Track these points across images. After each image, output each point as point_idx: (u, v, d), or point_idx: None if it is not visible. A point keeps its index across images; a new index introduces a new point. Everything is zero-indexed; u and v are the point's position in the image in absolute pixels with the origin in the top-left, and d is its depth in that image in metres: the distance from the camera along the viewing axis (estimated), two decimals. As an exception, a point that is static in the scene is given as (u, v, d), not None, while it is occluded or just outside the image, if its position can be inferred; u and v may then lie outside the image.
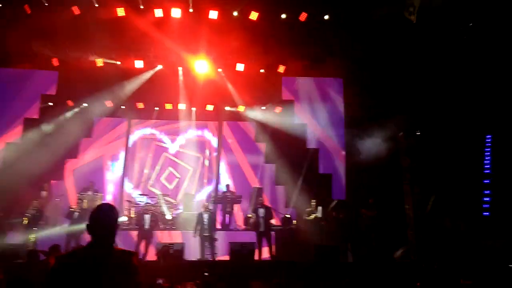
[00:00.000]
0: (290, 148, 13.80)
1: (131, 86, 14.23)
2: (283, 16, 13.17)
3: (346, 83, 14.23)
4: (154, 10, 13.07)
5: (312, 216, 11.42)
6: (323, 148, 14.05)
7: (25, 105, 14.03)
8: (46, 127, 11.93)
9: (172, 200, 12.84)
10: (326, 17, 13.21)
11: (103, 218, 2.69)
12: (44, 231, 11.10)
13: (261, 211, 10.81)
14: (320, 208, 11.18)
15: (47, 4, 12.61)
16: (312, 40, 13.13)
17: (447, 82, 10.88)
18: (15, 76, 14.07)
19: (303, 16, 13.04)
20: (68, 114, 14.30)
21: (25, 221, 10.77)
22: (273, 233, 10.80)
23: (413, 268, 9.21)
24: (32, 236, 10.66)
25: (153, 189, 14.05)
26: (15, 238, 10.80)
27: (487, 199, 10.32)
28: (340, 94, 14.32)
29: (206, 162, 14.67)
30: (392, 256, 10.14)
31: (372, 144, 11.95)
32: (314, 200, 11.60)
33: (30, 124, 13.94)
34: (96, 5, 12.72)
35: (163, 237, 11.13)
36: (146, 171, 14.49)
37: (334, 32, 13.01)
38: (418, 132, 10.81)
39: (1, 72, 14.12)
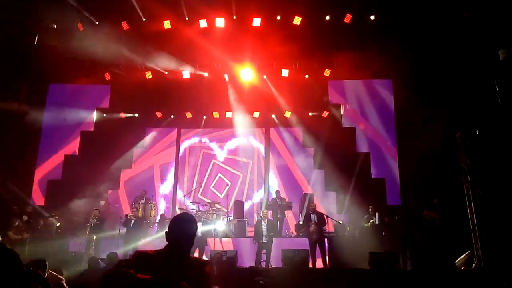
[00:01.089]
0: (339, 153, 13.52)
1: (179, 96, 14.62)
2: (327, 18, 13.01)
3: (396, 84, 13.80)
4: (199, 20, 13.36)
5: (369, 223, 11.08)
6: (375, 152, 13.65)
7: (81, 118, 14.72)
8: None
9: (223, 208, 12.92)
10: (372, 17, 12.93)
11: (184, 227, 2.76)
12: (103, 239, 11.51)
13: (313, 217, 10.62)
14: (377, 214, 10.81)
15: (97, 23, 13.21)
16: (358, 42, 12.88)
17: (503, 78, 10.23)
18: (70, 91, 14.84)
19: (347, 18, 12.83)
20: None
21: (87, 230, 11.20)
22: (326, 240, 10.56)
23: (477, 276, 8.71)
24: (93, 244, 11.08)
25: (203, 197, 14.23)
26: (77, 246, 11.28)
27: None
28: (390, 95, 13.89)
29: (255, 169, 14.66)
30: (454, 263, 9.63)
31: (428, 146, 11.45)
32: (371, 206, 11.25)
33: (86, 136, 14.63)
34: (144, 20, 13.15)
35: (215, 244, 11.20)
36: (196, 179, 14.71)
37: (380, 32, 12.70)
38: (477, 131, 10.22)
39: (58, 88, 14.94)
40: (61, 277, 6.01)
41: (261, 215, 11.14)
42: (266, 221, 10.70)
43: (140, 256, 2.70)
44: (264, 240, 10.48)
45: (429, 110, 11.94)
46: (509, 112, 10.53)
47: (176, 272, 2.59)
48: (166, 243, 2.73)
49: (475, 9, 11.24)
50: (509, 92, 10.63)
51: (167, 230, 2.77)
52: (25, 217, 11.63)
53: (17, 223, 10.77)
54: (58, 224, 12.62)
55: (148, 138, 15.07)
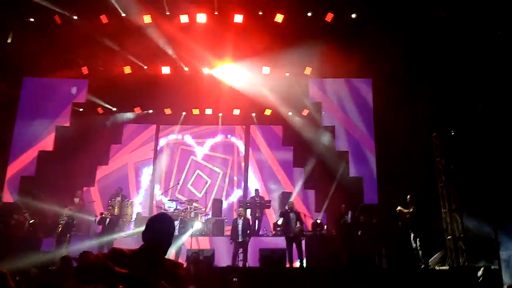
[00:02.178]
0: (318, 151, 13.55)
1: (159, 92, 14.40)
2: (309, 14, 12.96)
3: (376, 83, 13.88)
4: (180, 16, 13.15)
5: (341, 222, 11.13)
6: (353, 150, 13.71)
7: (56, 113, 14.35)
8: None
9: (201, 206, 12.81)
10: (353, 15, 12.95)
11: (161, 228, 2.70)
12: (76, 237, 11.25)
13: (291, 216, 10.59)
14: (350, 212, 10.85)
15: (76, 17, 12.87)
16: (339, 40, 12.87)
17: (482, 78, 10.39)
18: (46, 85, 14.43)
19: (329, 17, 12.82)
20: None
21: (59, 228, 10.92)
22: (304, 239, 10.55)
23: (450, 276, 8.84)
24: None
25: (181, 196, 14.07)
26: (49, 245, 10.99)
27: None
28: (369, 94, 13.97)
29: (235, 167, 14.58)
30: (428, 262, 9.75)
31: (406, 145, 11.56)
32: (343, 205, 11.30)
33: (61, 132, 14.26)
34: (123, 14, 12.88)
35: (192, 243, 11.07)
36: (174, 176, 14.53)
37: (361, 30, 12.74)
38: (453, 132, 10.36)
39: (33, 81, 14.50)
40: None
41: (236, 214, 11.08)
42: (242, 220, 10.62)
43: (117, 253, 2.61)
44: (240, 239, 10.40)
45: (407, 110, 12.07)
46: (485, 114, 10.71)
47: (151, 273, 2.52)
48: (142, 243, 2.65)
49: (454, 10, 11.37)
50: (487, 92, 10.80)
51: (143, 230, 2.70)
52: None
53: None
54: (31, 221, 12.30)
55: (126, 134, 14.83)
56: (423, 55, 12.18)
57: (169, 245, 2.74)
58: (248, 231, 10.62)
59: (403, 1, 11.92)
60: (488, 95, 10.64)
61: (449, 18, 10.87)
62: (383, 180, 12.87)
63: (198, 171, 14.58)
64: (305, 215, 10.89)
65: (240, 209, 11.42)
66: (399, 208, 10.04)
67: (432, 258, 10.11)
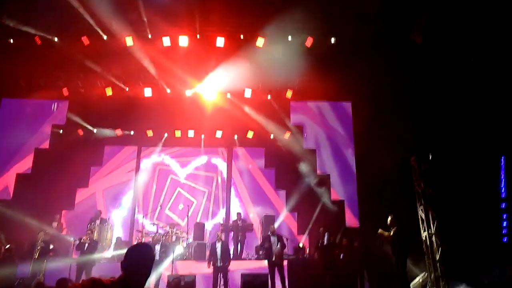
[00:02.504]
0: (300, 174, 13.64)
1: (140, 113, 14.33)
2: (289, 38, 13.17)
3: (355, 106, 14.14)
4: (162, 38, 13.21)
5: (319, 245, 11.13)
6: (335, 173, 13.84)
7: (36, 135, 14.14)
8: None
9: (182, 230, 12.67)
10: (332, 40, 13.20)
11: (140, 258, 2.67)
12: (53, 263, 10.94)
13: (273, 240, 10.57)
14: (327, 234, 10.85)
15: (56, 39, 12.80)
16: (318, 64, 13.08)
17: (458, 103, 10.72)
18: (26, 107, 14.25)
19: (308, 42, 13.04)
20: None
21: (36, 254, 10.62)
22: (286, 262, 10.52)
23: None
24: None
25: (164, 218, 13.90)
26: (25, 271, 10.65)
27: (505, 223, 10.00)
28: (349, 117, 14.20)
29: (218, 189, 14.51)
30: (409, 285, 9.80)
31: (386, 168, 11.72)
32: (321, 228, 11.34)
33: (40, 154, 14.01)
34: (105, 37, 12.87)
35: (173, 268, 10.90)
36: (155, 199, 14.37)
37: (341, 54, 12.99)
38: (430, 155, 10.57)
39: (13, 102, 14.30)
40: None
41: (214, 238, 11.01)
42: (221, 244, 10.54)
43: (95, 283, 2.57)
44: (219, 263, 10.30)
45: (387, 133, 12.30)
46: (461, 137, 11.01)
47: None
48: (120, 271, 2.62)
49: (428, 36, 11.73)
50: (463, 116, 11.11)
51: (122, 259, 2.67)
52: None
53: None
54: (7, 246, 11.94)
55: (106, 156, 14.64)
56: (402, 78, 12.48)
57: (147, 275, 2.71)
58: (227, 255, 10.54)
59: (380, 26, 12.25)
60: (465, 118, 10.96)
61: (425, 44, 11.21)
62: (364, 203, 12.99)
63: (180, 194, 14.44)
64: (287, 238, 10.87)
65: (218, 232, 11.34)
66: (380, 231, 10.10)
67: (414, 281, 10.18)
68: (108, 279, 2.65)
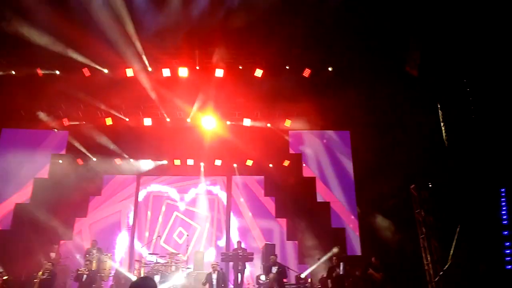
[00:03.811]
0: (300, 202, 13.64)
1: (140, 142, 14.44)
2: (287, 67, 13.40)
3: (354, 134, 14.31)
4: (162, 69, 13.44)
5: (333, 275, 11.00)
6: (335, 201, 13.87)
7: (35, 165, 14.16)
8: None
9: (182, 259, 12.54)
10: (330, 69, 13.44)
11: None
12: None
13: (274, 269, 10.47)
14: (342, 264, 10.75)
15: (58, 72, 13.00)
16: (317, 93, 13.29)
17: (457, 133, 10.86)
18: (26, 137, 14.31)
19: (306, 72, 13.27)
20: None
21: (35, 286, 10.41)
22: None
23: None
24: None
25: (163, 248, 13.76)
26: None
27: (508, 251, 9.97)
28: (348, 146, 14.35)
29: (219, 218, 14.44)
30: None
31: (385, 196, 11.77)
32: (335, 257, 11.25)
33: (39, 183, 13.99)
34: (106, 71, 13.09)
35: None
36: (154, 228, 14.27)
37: (338, 83, 13.19)
38: (430, 184, 10.65)
39: (12, 133, 14.38)
40: None
41: (210, 268, 10.90)
42: (216, 274, 10.44)
43: None
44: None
45: (385, 161, 12.40)
46: (460, 164, 11.09)
47: None
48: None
49: (426, 67, 11.97)
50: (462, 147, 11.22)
51: None
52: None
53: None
54: (5, 278, 11.75)
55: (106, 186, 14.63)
56: (400, 107, 12.67)
57: None
58: (223, 286, 10.42)
59: (377, 56, 12.51)
60: (464, 147, 11.07)
61: (421, 75, 11.43)
62: (365, 231, 12.95)
63: (179, 223, 14.36)
64: (288, 268, 10.76)
65: (213, 263, 11.24)
66: (370, 271, 10.11)
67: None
68: None
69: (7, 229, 13.35)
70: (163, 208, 14.59)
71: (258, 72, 13.14)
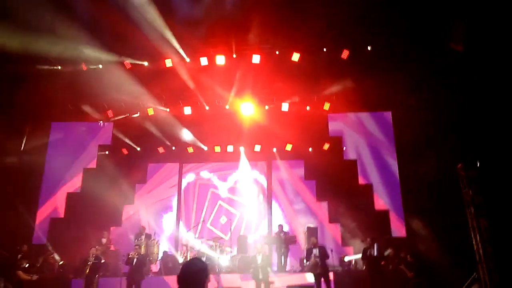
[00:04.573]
0: (341, 185, 13.55)
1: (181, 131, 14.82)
2: (324, 50, 13.21)
3: (396, 115, 13.98)
4: (200, 58, 13.65)
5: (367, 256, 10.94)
6: (377, 183, 13.67)
7: (83, 155, 14.83)
8: None
9: (226, 243, 12.83)
10: (369, 48, 13.09)
11: (196, 272, 2.83)
12: (104, 278, 11.32)
13: (315, 251, 10.50)
14: (376, 245, 10.66)
15: (101, 66, 13.48)
16: (356, 74, 13.06)
17: (504, 110, 10.38)
18: (74, 130, 15.01)
19: (344, 54, 13.03)
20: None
21: (87, 269, 11.01)
22: (331, 274, 10.40)
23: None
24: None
25: (207, 232, 14.12)
26: (79, 286, 11.06)
27: None
28: (389, 127, 14.05)
29: (258, 203, 14.61)
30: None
31: (430, 176, 11.45)
32: (369, 238, 11.17)
33: (88, 173, 14.68)
34: (146, 63, 13.44)
35: (219, 281, 11.04)
36: (198, 214, 14.64)
37: (378, 63, 12.88)
38: (478, 163, 10.25)
39: (61, 126, 15.10)
40: None
41: (255, 251, 11.07)
42: (261, 256, 10.59)
43: None
44: (260, 276, 10.34)
45: (431, 141, 12.05)
46: (509, 141, 10.61)
47: None
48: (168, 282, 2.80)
49: (470, 43, 11.46)
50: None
51: (178, 274, 2.84)
52: (19, 256, 11.51)
53: (26, 264, 10.64)
54: (60, 263, 12.50)
55: (150, 173, 15.14)
56: (444, 84, 12.23)
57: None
58: (268, 268, 10.56)
59: (419, 33, 12.08)
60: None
61: (466, 51, 10.97)
62: (410, 212, 12.71)
63: (222, 208, 14.66)
64: (331, 250, 10.76)
65: (258, 245, 11.39)
66: (402, 266, 9.98)
67: (467, 290, 9.82)
68: None
69: (61, 217, 14.12)
70: (207, 195, 14.93)
71: (295, 56, 13.07)
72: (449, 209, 10.96)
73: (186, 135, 14.91)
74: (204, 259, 11.88)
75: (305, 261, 11.46)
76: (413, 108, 12.71)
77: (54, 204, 14.35)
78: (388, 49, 12.71)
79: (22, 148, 14.35)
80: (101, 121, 15.11)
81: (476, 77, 11.35)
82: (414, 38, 12.01)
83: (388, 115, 14.20)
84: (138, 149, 15.10)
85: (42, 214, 14.08)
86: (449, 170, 11.04)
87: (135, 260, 11.27)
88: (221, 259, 12.19)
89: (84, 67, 13.67)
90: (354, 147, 14.27)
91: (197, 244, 13.07)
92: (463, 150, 11.08)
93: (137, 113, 14.85)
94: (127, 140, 15.05)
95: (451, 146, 11.37)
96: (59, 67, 13.66)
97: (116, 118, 14.86)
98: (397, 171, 13.58)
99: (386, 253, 10.57)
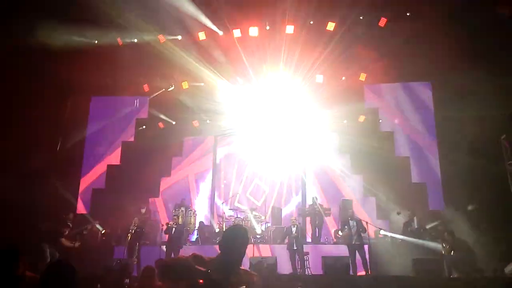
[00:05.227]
0: (377, 157, 13.31)
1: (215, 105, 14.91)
2: (361, 18, 12.78)
3: (436, 85, 13.47)
4: (233, 30, 13.57)
5: (408, 230, 10.84)
6: (414, 156, 13.35)
7: (122, 129, 15.27)
8: None
9: (261, 213, 13.03)
10: (408, 14, 12.56)
11: (236, 239, 2.90)
12: (145, 246, 11.80)
13: (352, 224, 10.49)
14: (416, 219, 10.53)
15: (136, 41, 13.64)
16: (393, 44, 12.60)
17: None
18: (112, 103, 15.41)
19: (382, 22, 12.60)
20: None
21: (129, 237, 11.48)
22: (367, 246, 10.40)
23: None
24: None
25: (241, 205, 14.35)
26: (121, 253, 11.57)
27: None
28: (430, 98, 13.58)
29: (293, 175, 14.62)
30: (502, 271, 9.24)
31: (470, 148, 11.07)
32: (409, 212, 11.04)
33: (127, 146, 15.12)
34: (179, 37, 13.49)
35: (254, 251, 11.27)
36: (233, 186, 14.85)
37: (417, 32, 12.36)
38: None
39: (100, 100, 15.53)
40: None
41: (290, 222, 11.18)
42: (295, 228, 10.68)
43: (196, 258, 2.84)
44: (294, 247, 10.47)
45: (471, 111, 11.58)
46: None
47: (229, 280, 2.73)
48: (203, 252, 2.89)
49: None
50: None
51: (220, 240, 2.93)
52: (69, 224, 12.14)
53: (67, 231, 11.22)
54: (103, 231, 13.10)
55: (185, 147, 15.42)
56: (486, 53, 11.63)
57: (242, 255, 2.94)
58: (303, 239, 10.67)
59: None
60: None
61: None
62: (449, 185, 12.38)
63: (256, 180, 14.78)
64: (367, 222, 10.72)
65: (292, 217, 11.49)
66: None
67: (508, 266, 9.56)
68: (208, 257, 2.90)
69: (103, 188, 14.70)
70: (239, 167, 15.06)
71: (330, 26, 12.76)
72: (491, 182, 10.60)
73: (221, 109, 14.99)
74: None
75: (340, 232, 11.52)
76: (454, 78, 12.16)
77: (96, 175, 14.92)
78: (427, 15, 12.12)
79: (64, 122, 14.89)
80: (137, 100, 15.38)
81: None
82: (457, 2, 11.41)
83: (428, 86, 13.69)
84: (174, 122, 15.35)
85: (85, 184, 14.69)
86: (492, 142, 10.66)
87: (173, 229, 11.68)
88: (257, 229, 12.41)
89: (119, 42, 13.90)
90: (392, 119, 13.91)
91: (232, 215, 13.33)
92: (506, 121, 10.61)
93: (171, 87, 15.00)
94: (162, 116, 15.30)
95: (495, 117, 10.87)
96: (96, 41, 13.91)
97: (154, 94, 15.09)
98: (436, 143, 13.18)
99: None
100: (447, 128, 12.69)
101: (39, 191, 12.42)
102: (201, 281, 2.69)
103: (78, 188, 14.59)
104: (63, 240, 10.94)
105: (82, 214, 13.94)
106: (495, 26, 11.22)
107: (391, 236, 11.26)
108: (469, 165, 11.28)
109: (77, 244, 11.11)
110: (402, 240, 10.74)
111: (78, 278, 2.91)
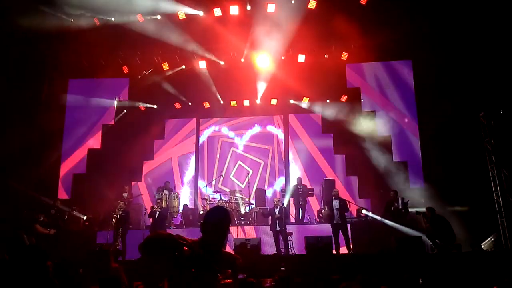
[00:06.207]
0: (359, 137, 13.41)
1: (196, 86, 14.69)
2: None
3: (416, 64, 13.50)
4: (213, 9, 13.27)
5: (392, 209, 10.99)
6: (396, 135, 13.47)
7: (101, 112, 14.93)
8: None
9: (244, 196, 13.05)
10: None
11: (218, 220, 2.87)
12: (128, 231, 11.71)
13: (335, 203, 10.61)
14: (400, 199, 10.66)
15: (113, 19, 13.23)
16: (375, 23, 12.55)
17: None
18: (90, 86, 15.02)
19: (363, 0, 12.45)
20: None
21: (113, 221, 11.38)
22: (349, 225, 10.55)
23: (505, 258, 8.59)
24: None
25: (224, 187, 14.35)
26: (104, 239, 11.49)
27: None
28: (410, 76, 13.62)
29: (276, 156, 14.65)
30: (480, 245, 9.51)
31: (450, 126, 11.20)
32: (392, 191, 11.18)
33: (107, 130, 14.85)
34: (159, 17, 13.14)
35: (238, 232, 11.34)
36: (216, 168, 14.81)
37: (397, 11, 12.33)
38: (501, 110, 9.95)
39: (77, 83, 15.11)
40: None
41: (273, 203, 11.25)
42: (278, 209, 10.76)
43: (179, 237, 2.79)
44: (278, 228, 10.56)
45: (451, 89, 11.70)
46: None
47: (209, 262, 2.72)
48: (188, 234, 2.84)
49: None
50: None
51: (201, 222, 2.87)
52: (52, 211, 12.01)
53: (42, 218, 11.09)
54: (85, 218, 12.95)
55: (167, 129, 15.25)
56: (466, 31, 11.68)
57: (225, 236, 2.93)
58: (286, 220, 10.76)
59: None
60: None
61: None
62: (429, 164, 12.57)
63: (240, 162, 14.77)
64: (349, 202, 10.84)
65: (275, 199, 11.55)
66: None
67: (485, 242, 9.84)
68: (190, 239, 2.84)
69: (83, 172, 14.45)
70: (225, 150, 15.02)
71: (312, 4, 12.56)
72: (469, 159, 10.78)
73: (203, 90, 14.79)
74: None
75: (323, 211, 11.65)
76: (434, 56, 12.21)
77: (76, 160, 14.64)
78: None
79: (40, 105, 14.48)
80: (116, 77, 15.01)
81: (501, 22, 10.75)
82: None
83: (408, 63, 13.72)
84: (155, 106, 15.10)
85: (65, 169, 14.42)
86: (470, 119, 10.80)
87: (157, 213, 11.62)
88: (240, 211, 12.44)
89: (96, 22, 13.46)
90: (373, 98, 13.95)
91: (216, 197, 13.34)
92: (486, 98, 10.73)
93: (151, 69, 14.69)
94: (142, 99, 15.02)
95: (474, 94, 10.99)
96: (71, 20, 13.40)
97: (133, 77, 14.74)
98: (417, 122, 13.30)
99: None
100: (427, 106, 12.79)
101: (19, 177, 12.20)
102: (185, 248, 2.65)
103: (59, 173, 14.31)
104: (37, 226, 10.84)
105: (63, 199, 13.71)
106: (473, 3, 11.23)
107: (372, 216, 11.43)
108: (449, 143, 11.44)
109: (52, 231, 11.03)
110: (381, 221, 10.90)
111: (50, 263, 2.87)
